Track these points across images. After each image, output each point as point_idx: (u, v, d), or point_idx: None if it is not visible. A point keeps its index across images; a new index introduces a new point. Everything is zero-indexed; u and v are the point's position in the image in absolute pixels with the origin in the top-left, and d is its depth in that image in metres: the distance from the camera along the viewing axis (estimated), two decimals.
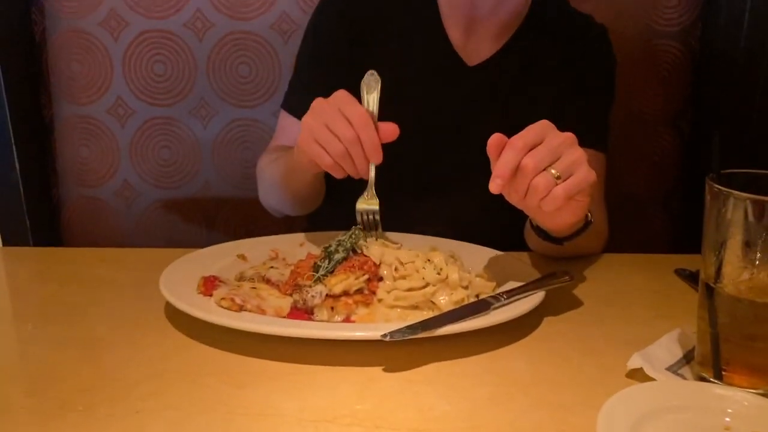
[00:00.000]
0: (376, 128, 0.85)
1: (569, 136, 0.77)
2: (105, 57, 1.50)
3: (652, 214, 1.60)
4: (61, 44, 1.51)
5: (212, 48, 1.50)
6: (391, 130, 0.86)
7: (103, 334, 0.79)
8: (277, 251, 0.95)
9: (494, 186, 0.75)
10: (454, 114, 1.11)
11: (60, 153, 1.59)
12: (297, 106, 1.10)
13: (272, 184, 1.12)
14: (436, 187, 1.13)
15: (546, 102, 1.09)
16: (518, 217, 0.99)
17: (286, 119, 1.16)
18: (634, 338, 0.75)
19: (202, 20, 1.48)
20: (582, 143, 0.79)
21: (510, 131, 0.77)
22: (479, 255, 0.94)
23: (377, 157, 0.85)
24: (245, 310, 0.77)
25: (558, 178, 0.75)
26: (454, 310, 0.75)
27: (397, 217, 0.97)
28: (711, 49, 1.46)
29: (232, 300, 0.76)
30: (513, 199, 0.79)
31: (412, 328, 0.70)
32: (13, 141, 1.50)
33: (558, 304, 0.85)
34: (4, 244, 1.56)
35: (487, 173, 0.76)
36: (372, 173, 0.91)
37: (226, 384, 0.68)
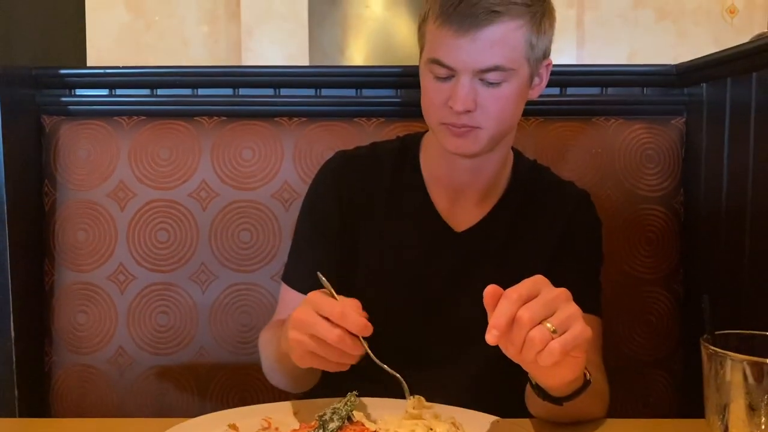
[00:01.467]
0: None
1: (563, 291, 0.79)
2: (110, 226, 1.55)
3: (653, 376, 1.56)
4: (68, 214, 1.57)
5: (215, 216, 1.55)
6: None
7: None
8: (270, 420, 0.92)
9: (491, 336, 0.76)
10: (444, 281, 1.14)
11: (57, 320, 1.59)
12: (296, 278, 1.16)
13: (270, 365, 1.13)
14: (430, 356, 1.13)
15: (535, 265, 1.12)
16: (516, 384, 0.98)
17: (287, 293, 1.20)
18: None
19: (207, 191, 1.55)
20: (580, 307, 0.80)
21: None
22: (480, 422, 0.91)
23: (368, 329, 0.85)
24: None
25: (554, 332, 0.76)
26: None
27: (392, 389, 0.95)
28: (695, 211, 1.52)
29: None
30: (510, 352, 0.79)
31: None
32: (11, 311, 1.50)
33: None
34: None
35: (482, 338, 0.76)
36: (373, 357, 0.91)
37: None
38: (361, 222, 1.16)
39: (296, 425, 0.88)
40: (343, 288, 1.20)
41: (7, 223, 1.47)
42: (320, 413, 0.82)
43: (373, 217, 1.16)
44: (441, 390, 1.06)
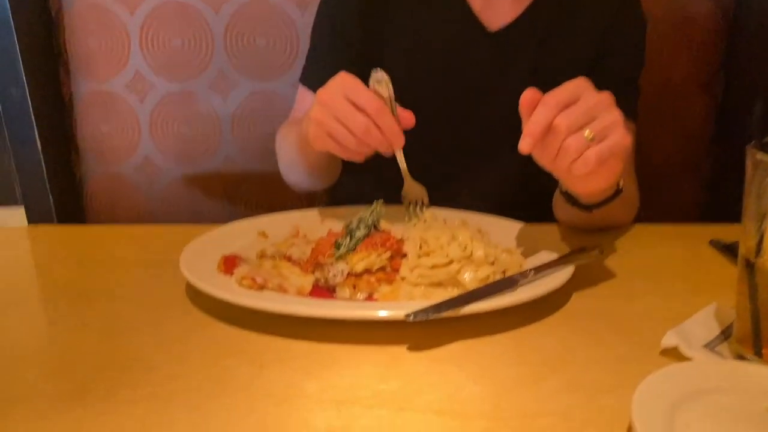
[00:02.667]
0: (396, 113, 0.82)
1: (606, 96, 0.74)
2: (122, 32, 1.48)
3: (682, 182, 1.55)
4: (77, 20, 1.49)
5: (229, 20, 1.47)
6: (407, 118, 0.82)
7: (124, 315, 0.78)
8: (298, 228, 0.93)
9: (524, 144, 0.72)
10: (475, 82, 1.07)
11: (80, 130, 1.58)
12: (314, 80, 1.09)
13: (289, 160, 1.10)
14: (460, 159, 1.10)
15: (574, 66, 1.05)
16: (547, 188, 0.97)
17: (304, 93, 1.15)
18: (668, 314, 0.72)
19: None
20: None
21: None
22: (508, 229, 0.91)
23: (399, 141, 0.82)
24: (266, 289, 0.75)
25: (592, 140, 0.72)
26: (479, 289, 0.73)
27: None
28: (746, 11, 1.40)
29: (253, 279, 0.75)
30: (543, 160, 0.75)
31: (437, 307, 0.68)
32: (33, 119, 1.49)
33: (588, 278, 0.82)
34: (29, 222, 1.57)
35: (514, 143, 0.73)
36: (402, 162, 0.89)
37: (247, 365, 0.66)
38: (384, 18, 1.07)
39: (324, 233, 0.89)
40: None
41: (14, 29, 1.41)
42: (347, 222, 0.82)
43: (398, 14, 1.07)
44: (467, 198, 1.06)
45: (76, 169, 1.61)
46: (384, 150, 0.83)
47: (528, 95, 0.73)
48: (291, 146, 1.07)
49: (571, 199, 0.88)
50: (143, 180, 1.60)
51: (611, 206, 0.88)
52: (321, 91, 0.81)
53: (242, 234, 0.91)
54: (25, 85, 1.46)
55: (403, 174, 0.92)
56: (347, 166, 1.11)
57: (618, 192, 0.87)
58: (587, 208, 0.87)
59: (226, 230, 0.92)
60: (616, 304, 0.78)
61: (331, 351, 0.69)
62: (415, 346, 0.69)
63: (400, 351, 0.68)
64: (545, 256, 0.81)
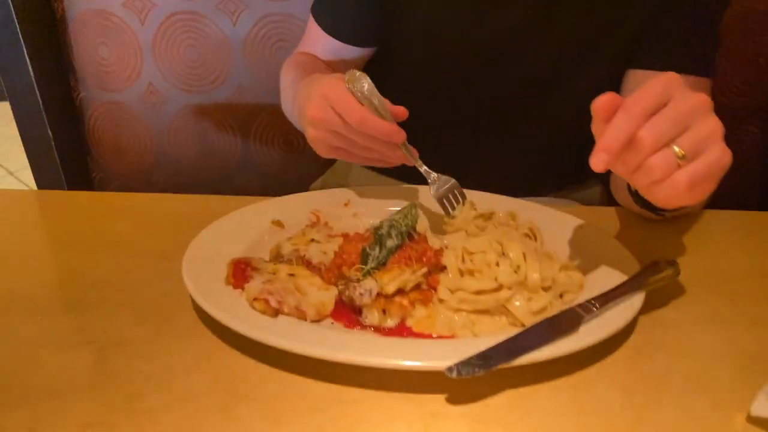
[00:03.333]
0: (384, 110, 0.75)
1: (703, 101, 0.58)
2: None
3: (746, 127, 1.38)
4: None
5: None
6: (399, 113, 0.75)
7: (118, 332, 0.68)
8: (319, 214, 0.81)
9: (597, 162, 0.57)
10: (505, 40, 0.91)
11: (77, 52, 1.43)
12: (322, 16, 1.03)
13: (289, 113, 1.01)
14: (486, 127, 0.96)
15: (638, 7, 0.87)
16: (577, 160, 0.86)
17: (313, 25, 1.05)
18: (757, 350, 0.61)
19: None
20: (685, 68, 0.64)
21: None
22: (561, 223, 0.79)
23: (396, 137, 0.74)
24: (282, 313, 0.64)
25: (683, 158, 0.57)
26: (536, 329, 0.62)
27: (441, 162, 0.83)
28: None
29: (267, 302, 0.64)
30: (619, 170, 0.61)
31: (485, 358, 0.57)
32: (22, 40, 1.34)
33: (653, 295, 0.70)
34: (25, 146, 1.46)
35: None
36: (420, 165, 0.80)
37: (261, 417, 0.57)
38: None
39: (348, 220, 0.77)
40: (385, 48, 1.01)
41: None
42: (376, 226, 0.70)
43: None
44: (495, 161, 0.94)
45: (76, 95, 1.48)
46: (393, 159, 0.78)
47: (606, 100, 0.58)
48: (289, 106, 0.97)
49: (641, 200, 0.75)
50: (148, 109, 1.47)
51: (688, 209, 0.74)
52: (308, 109, 0.76)
53: (254, 222, 0.80)
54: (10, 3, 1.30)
55: (431, 178, 0.81)
56: None
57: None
58: (659, 212, 0.74)
59: (236, 218, 0.80)
60: (690, 332, 0.67)
61: (357, 403, 0.59)
62: (456, 398, 0.59)
63: (438, 404, 0.58)
64: (608, 272, 0.69)
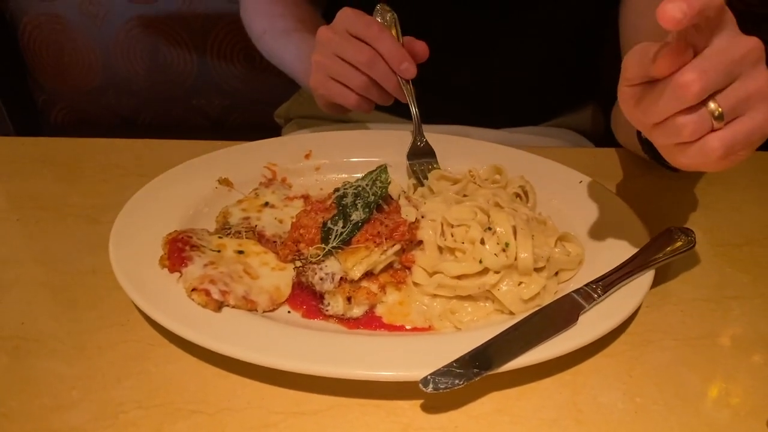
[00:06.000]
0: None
1: (756, 46, 0.45)
2: None
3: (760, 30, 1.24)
4: None
5: None
6: (421, 49, 0.70)
7: (37, 324, 0.58)
8: (274, 169, 0.69)
9: (674, 11, 0.41)
10: None
11: None
12: None
13: (276, 64, 0.93)
14: (468, 38, 0.89)
15: None
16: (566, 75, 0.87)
17: None
18: None
19: None
20: None
21: None
22: (552, 177, 0.68)
23: (407, 69, 0.68)
24: (227, 305, 0.54)
25: (719, 117, 0.46)
26: (527, 322, 0.52)
27: (436, 80, 0.77)
28: None
29: (208, 293, 0.53)
30: (637, 119, 0.49)
31: (465, 365, 0.48)
32: None
33: (664, 271, 0.61)
34: None
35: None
36: (414, 109, 0.73)
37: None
38: None
39: (309, 177, 0.66)
40: None
41: None
42: (339, 194, 0.58)
43: None
44: (483, 91, 0.88)
45: (4, 5, 1.29)
46: (390, 86, 0.69)
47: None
48: (277, 62, 0.91)
49: (653, 153, 0.63)
50: (89, 23, 1.29)
51: None
52: (321, 30, 0.72)
53: (198, 180, 0.68)
54: None
55: (416, 127, 0.73)
56: None
57: None
58: (672, 168, 0.63)
59: (178, 173, 0.68)
60: (702, 316, 0.58)
61: (318, 414, 0.50)
62: (433, 407, 0.50)
63: (411, 416, 0.50)
64: (611, 242, 0.59)
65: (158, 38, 1.30)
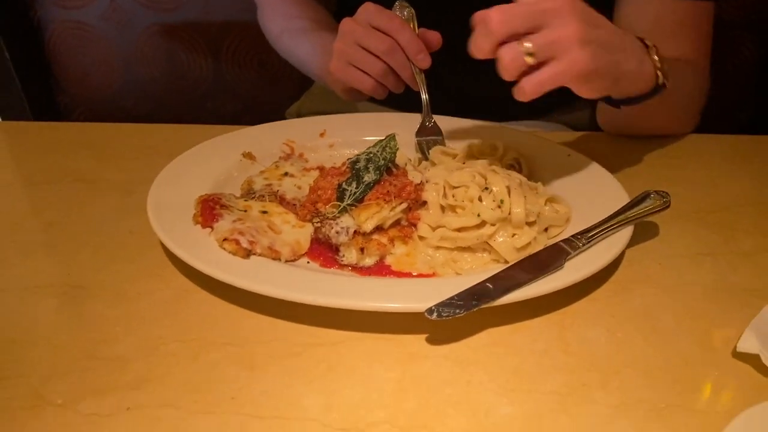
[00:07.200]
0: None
1: (565, 2, 0.56)
2: None
3: (740, 41, 1.32)
4: None
5: None
6: (434, 39, 0.77)
7: (81, 275, 0.65)
8: (293, 145, 0.77)
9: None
10: None
11: None
12: None
13: (293, 63, 1.01)
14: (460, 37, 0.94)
15: None
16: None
17: None
18: (748, 285, 0.60)
19: None
20: None
21: None
22: (543, 151, 0.75)
23: (423, 59, 0.75)
24: (254, 254, 0.61)
25: (530, 56, 0.56)
26: (519, 267, 0.59)
27: (432, 78, 0.81)
28: None
29: (237, 243, 0.60)
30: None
31: (466, 298, 0.55)
32: None
33: (642, 227, 0.68)
34: None
35: None
36: (424, 95, 0.79)
37: (234, 364, 0.55)
38: None
39: (324, 151, 0.73)
40: None
41: None
42: (353, 160, 0.66)
43: None
44: (478, 89, 0.91)
45: (32, 13, 1.38)
46: (406, 75, 0.77)
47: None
48: (294, 59, 0.99)
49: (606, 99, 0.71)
50: (111, 29, 1.38)
51: (650, 105, 0.70)
52: (344, 21, 0.78)
53: (223, 154, 0.75)
54: None
55: (425, 110, 0.80)
56: None
57: (656, 89, 0.69)
58: (615, 103, 0.70)
59: (205, 149, 0.76)
60: (680, 267, 0.65)
61: (335, 342, 0.57)
62: (437, 338, 0.57)
63: (418, 345, 0.56)
64: (595, 204, 0.66)
65: (176, 44, 1.39)
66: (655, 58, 0.67)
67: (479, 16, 0.57)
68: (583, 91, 0.61)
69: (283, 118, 1.25)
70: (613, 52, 0.59)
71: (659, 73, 0.67)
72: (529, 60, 0.55)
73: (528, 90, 0.57)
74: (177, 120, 1.52)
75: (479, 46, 0.57)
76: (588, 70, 0.57)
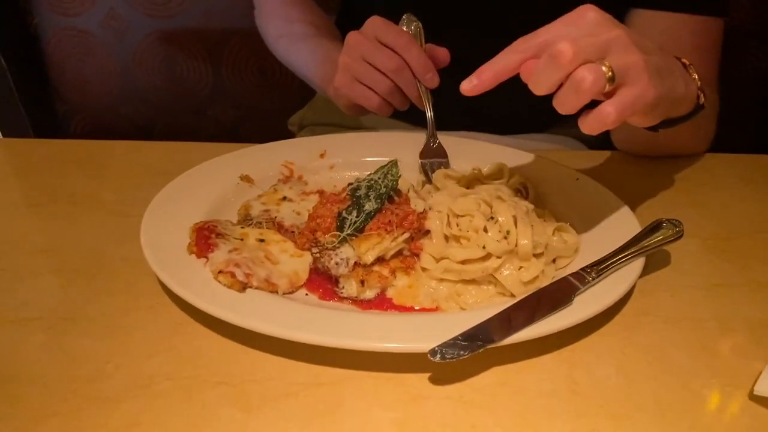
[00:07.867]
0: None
1: (622, 33, 0.53)
2: None
3: (747, 50, 1.29)
4: None
5: None
6: (442, 55, 0.75)
7: (71, 306, 0.62)
8: (292, 167, 0.74)
9: (465, 84, 0.56)
10: None
11: None
12: None
13: (291, 68, 0.98)
14: (481, 51, 0.90)
15: None
16: None
17: None
18: (765, 319, 0.58)
19: None
20: (696, 7, 0.66)
21: None
22: (550, 174, 0.73)
23: (431, 78, 0.73)
24: (250, 287, 0.59)
25: (611, 80, 0.52)
26: (526, 302, 0.56)
27: (440, 91, 0.79)
28: None
29: (233, 275, 0.58)
30: (540, 87, 0.55)
31: (471, 338, 0.52)
32: None
33: (653, 255, 0.65)
34: None
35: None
36: (429, 113, 0.77)
37: (228, 405, 0.52)
38: None
39: (324, 174, 0.70)
40: None
41: None
42: (353, 186, 0.63)
43: None
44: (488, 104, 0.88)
45: (30, 20, 1.35)
46: (412, 94, 0.76)
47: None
48: (293, 66, 0.95)
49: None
50: (110, 36, 1.35)
51: (680, 127, 0.67)
52: (350, 34, 0.77)
53: (221, 178, 0.73)
54: None
55: (429, 130, 0.78)
56: None
57: (696, 109, 0.66)
58: (653, 127, 0.67)
59: (202, 171, 0.73)
60: (692, 300, 0.62)
61: (334, 385, 0.54)
62: (439, 378, 0.54)
63: (421, 386, 0.54)
64: (605, 233, 0.64)
65: (175, 51, 1.36)
66: (695, 76, 0.64)
67: (548, 51, 0.52)
68: (646, 120, 0.58)
69: (283, 125, 1.23)
70: (667, 77, 0.57)
71: (700, 93, 0.65)
72: (609, 86, 0.52)
73: (615, 115, 0.52)
74: (177, 127, 1.51)
75: (549, 79, 0.53)
76: (657, 96, 0.54)
